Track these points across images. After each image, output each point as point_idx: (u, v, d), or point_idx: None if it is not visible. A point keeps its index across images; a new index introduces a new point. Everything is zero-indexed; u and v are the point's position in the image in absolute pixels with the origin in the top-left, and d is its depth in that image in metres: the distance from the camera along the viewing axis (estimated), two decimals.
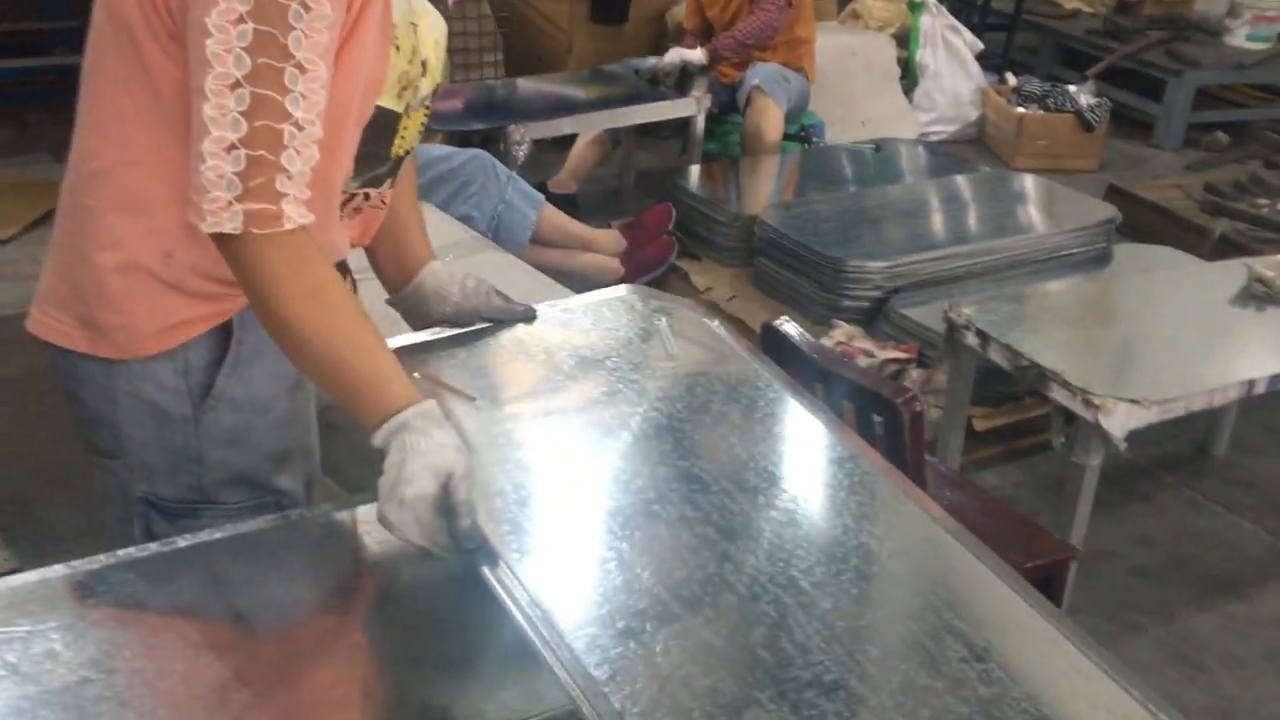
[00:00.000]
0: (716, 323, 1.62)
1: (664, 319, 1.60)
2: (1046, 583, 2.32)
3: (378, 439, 1.17)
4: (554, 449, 1.34)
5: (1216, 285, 3.03)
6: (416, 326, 1.53)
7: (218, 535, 1.26)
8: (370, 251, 1.50)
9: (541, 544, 1.18)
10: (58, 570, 1.19)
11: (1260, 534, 3.12)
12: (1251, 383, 2.60)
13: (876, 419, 2.00)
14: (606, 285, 3.73)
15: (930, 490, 2.42)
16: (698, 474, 1.29)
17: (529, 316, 1.57)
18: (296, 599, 1.23)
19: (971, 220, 3.94)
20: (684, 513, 1.22)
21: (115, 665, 1.08)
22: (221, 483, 1.36)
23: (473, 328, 1.53)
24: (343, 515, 1.34)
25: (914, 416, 1.93)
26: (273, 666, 1.13)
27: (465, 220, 3.29)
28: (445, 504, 1.13)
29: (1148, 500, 3.25)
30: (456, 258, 2.66)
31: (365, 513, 1.31)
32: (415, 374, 1.23)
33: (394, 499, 1.13)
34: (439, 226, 2.78)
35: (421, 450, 1.14)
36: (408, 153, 1.38)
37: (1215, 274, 3.16)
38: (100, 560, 1.20)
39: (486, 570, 1.13)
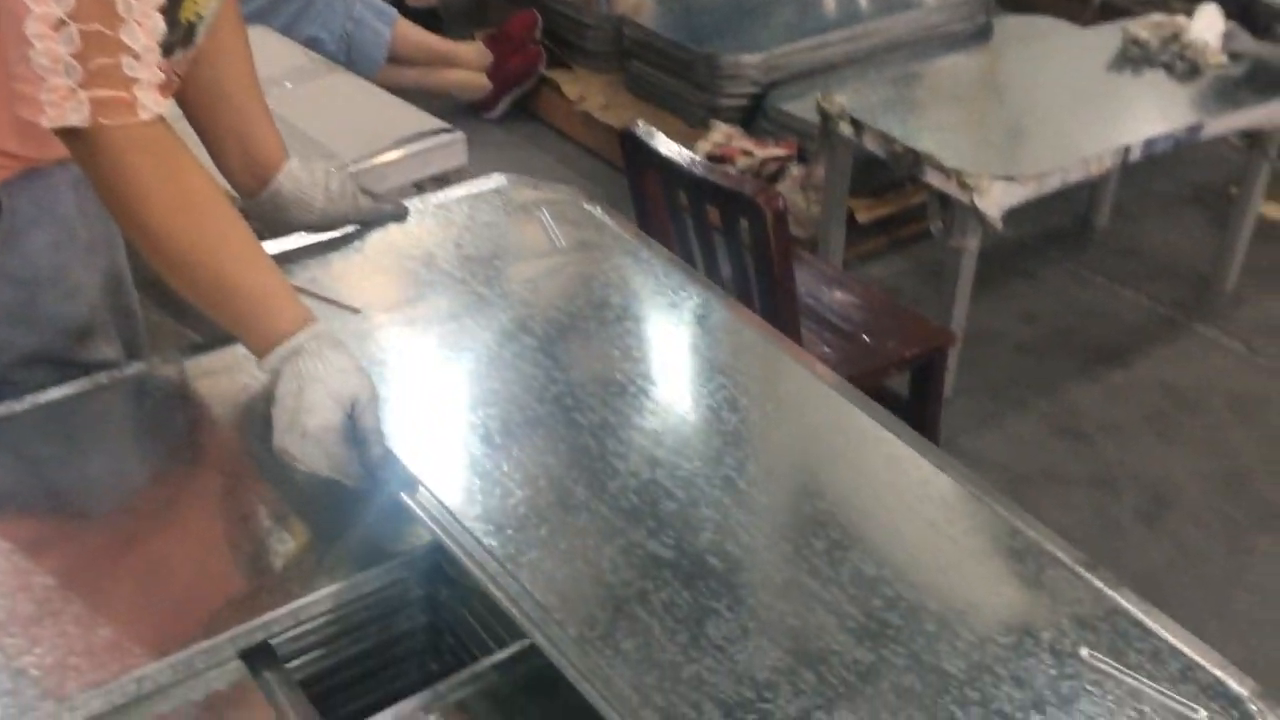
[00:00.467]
0: (599, 209, 1.53)
1: (545, 209, 1.50)
2: (927, 370, 2.37)
3: (267, 365, 1.09)
4: (455, 359, 1.26)
5: (1093, 52, 3.00)
6: (277, 233, 1.40)
7: (19, 408, 1.17)
8: (216, 154, 1.36)
9: (460, 464, 1.12)
10: None
11: (1141, 300, 3.21)
12: (1127, 149, 2.61)
13: (742, 223, 1.96)
14: (473, 101, 3.63)
15: (809, 290, 2.43)
16: (613, 375, 1.23)
17: (400, 214, 1.47)
18: (119, 469, 1.16)
19: (849, 3, 3.82)
20: (606, 419, 1.17)
21: None
22: (14, 364, 1.25)
23: (337, 231, 1.42)
24: (167, 372, 1.25)
25: (777, 215, 1.90)
26: (93, 545, 1.06)
27: (312, 44, 3.05)
28: (352, 432, 1.06)
29: (1031, 277, 3.30)
30: (297, 85, 2.46)
31: (193, 366, 1.25)
32: None
33: (295, 431, 1.05)
34: (281, 52, 2.56)
35: (320, 376, 1.06)
36: (200, 18, 1.22)
37: (1092, 40, 3.12)
38: None
39: (407, 498, 1.07)
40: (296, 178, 1.36)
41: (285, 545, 1.06)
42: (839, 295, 2.46)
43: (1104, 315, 3.15)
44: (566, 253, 1.44)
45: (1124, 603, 1.03)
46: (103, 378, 1.23)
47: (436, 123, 2.30)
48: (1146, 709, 0.93)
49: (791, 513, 1.08)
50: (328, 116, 2.30)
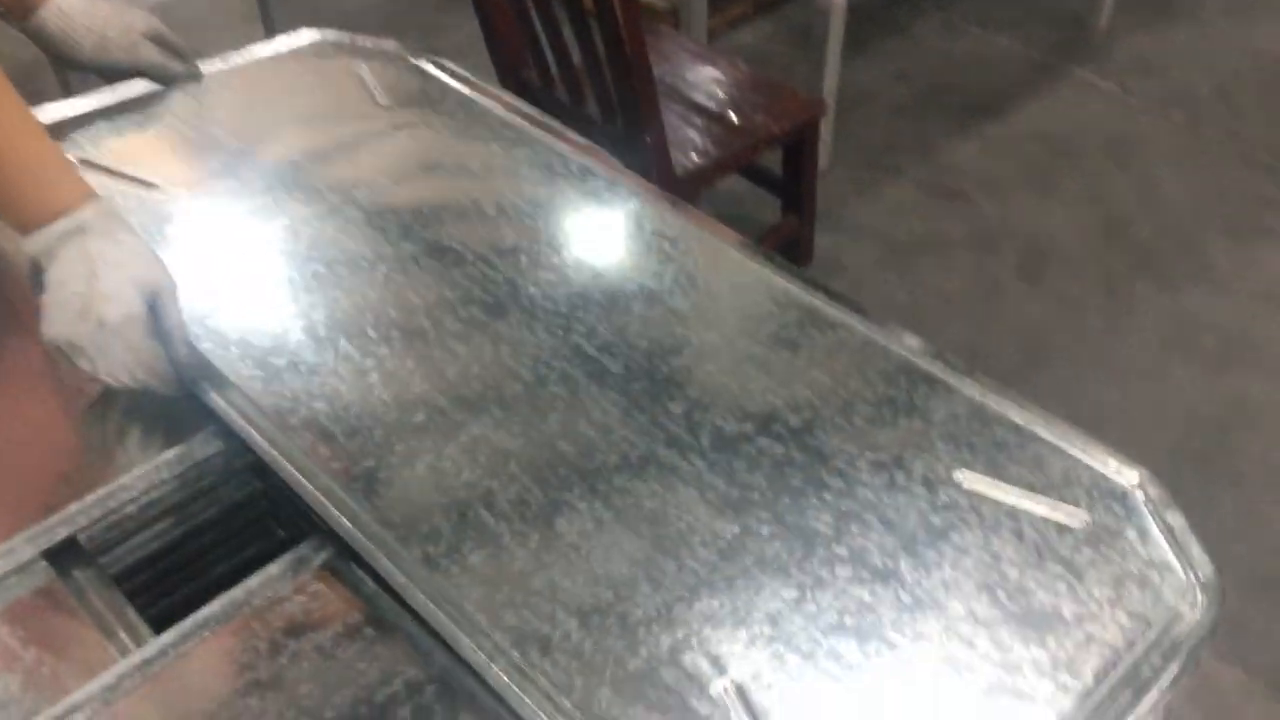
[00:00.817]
0: (426, 60, 1.37)
1: (364, 65, 1.35)
2: (799, 144, 2.30)
3: (38, 243, 0.94)
4: (270, 239, 1.14)
5: None
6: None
7: None
8: None
9: (281, 362, 1.02)
10: None
11: (1015, 47, 3.13)
12: None
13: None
14: None
15: (671, 69, 2.32)
16: (448, 245, 1.12)
17: (193, 75, 1.31)
18: None
19: None
20: (443, 295, 1.07)
21: None
22: None
23: (134, 94, 1.27)
24: None
25: None
26: None
27: None
28: (156, 327, 0.96)
29: (903, 33, 3.20)
30: None
31: None
32: (71, 157, 1.00)
33: (88, 320, 0.92)
34: None
35: (118, 260, 0.94)
36: None
37: None
38: None
39: (220, 402, 0.97)
40: (66, 14, 1.21)
41: (89, 425, 0.97)
42: (703, 72, 2.35)
43: (978, 66, 3.08)
44: (391, 111, 1.31)
45: (1000, 408, 0.99)
46: None
47: None
48: (1025, 527, 0.91)
49: (646, 377, 1.02)
50: None
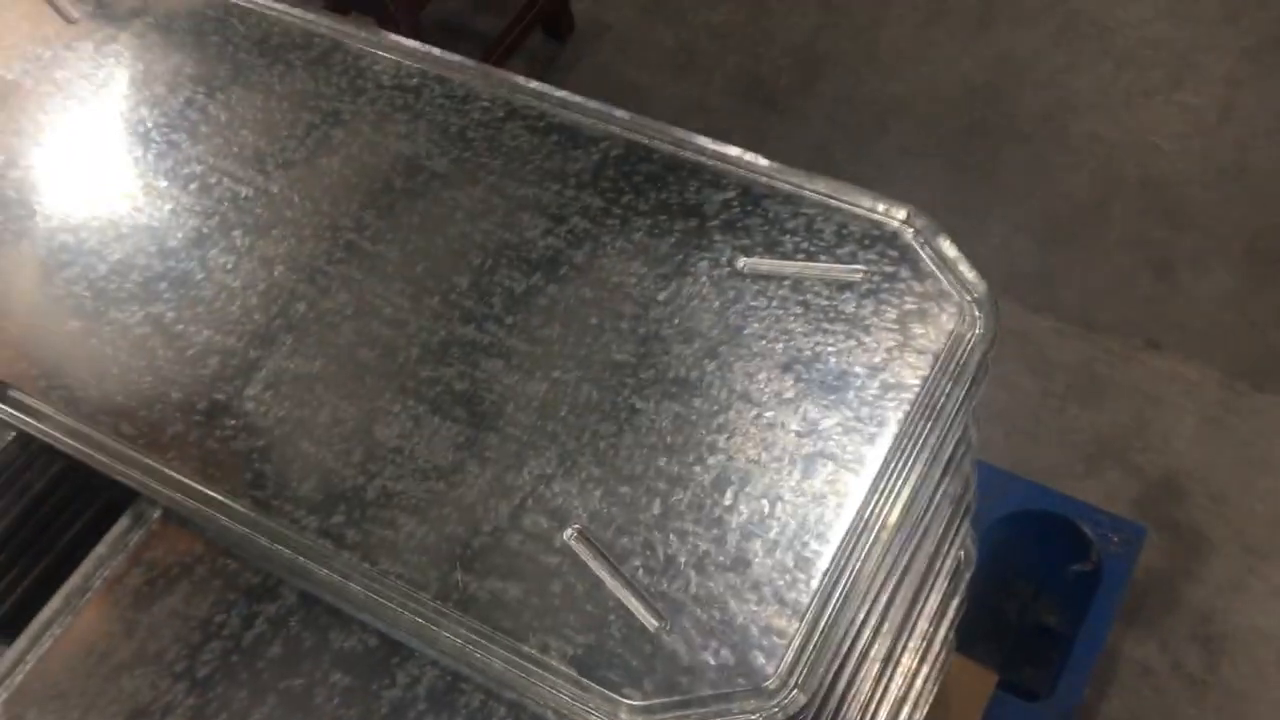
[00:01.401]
0: None
1: None
2: None
3: None
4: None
5: None
6: None
7: None
8: None
9: (54, 350, 0.98)
10: None
11: None
12: None
13: None
14: None
15: None
16: (188, 169, 1.07)
17: None
18: None
19: None
20: (200, 230, 1.03)
21: None
22: None
23: None
24: None
25: None
26: None
27: None
28: None
29: None
30: None
31: None
32: None
33: None
34: None
35: None
36: None
37: None
38: None
39: (3, 406, 0.95)
40: None
41: None
42: None
43: None
44: (80, 25, 1.21)
45: (769, 181, 1.01)
46: None
47: None
48: (809, 296, 0.95)
49: (427, 256, 1.02)
50: None
